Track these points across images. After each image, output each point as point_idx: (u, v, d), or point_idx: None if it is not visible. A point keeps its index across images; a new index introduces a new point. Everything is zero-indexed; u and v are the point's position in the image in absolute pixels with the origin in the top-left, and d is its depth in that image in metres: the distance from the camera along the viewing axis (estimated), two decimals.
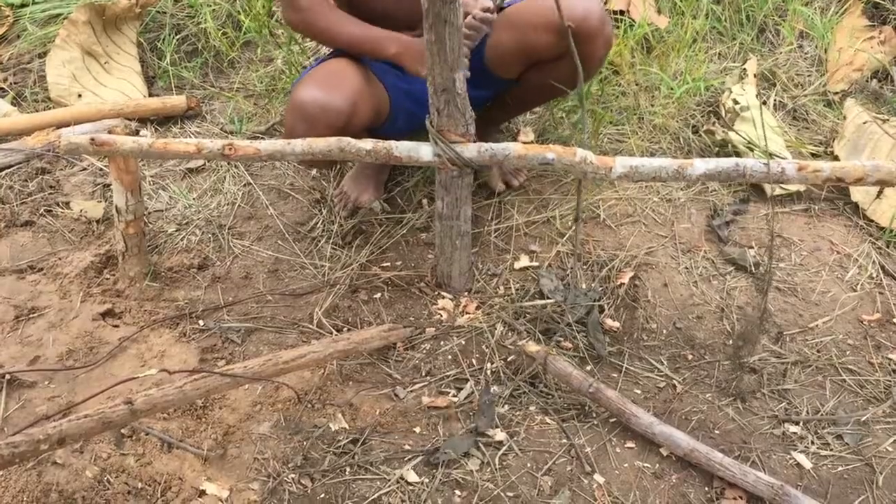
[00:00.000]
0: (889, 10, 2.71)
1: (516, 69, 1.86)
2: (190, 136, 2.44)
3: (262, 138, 2.37)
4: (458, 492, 1.59)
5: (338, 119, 1.73)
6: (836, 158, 2.31)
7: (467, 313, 1.94)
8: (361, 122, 1.80)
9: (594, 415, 1.73)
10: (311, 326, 1.90)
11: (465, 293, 1.98)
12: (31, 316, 1.90)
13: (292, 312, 1.94)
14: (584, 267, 2.02)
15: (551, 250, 2.06)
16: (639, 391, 1.79)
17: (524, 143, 2.03)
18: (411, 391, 1.77)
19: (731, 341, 1.88)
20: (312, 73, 1.84)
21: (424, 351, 1.86)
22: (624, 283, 1.97)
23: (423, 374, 1.81)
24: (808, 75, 2.60)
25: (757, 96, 2.47)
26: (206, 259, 2.08)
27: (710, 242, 2.10)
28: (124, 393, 1.71)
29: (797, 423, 1.73)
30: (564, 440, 1.68)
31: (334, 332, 1.88)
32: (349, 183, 2.19)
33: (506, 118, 2.24)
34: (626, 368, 1.83)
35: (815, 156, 2.35)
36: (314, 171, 2.30)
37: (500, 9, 1.84)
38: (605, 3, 2.68)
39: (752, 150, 2.28)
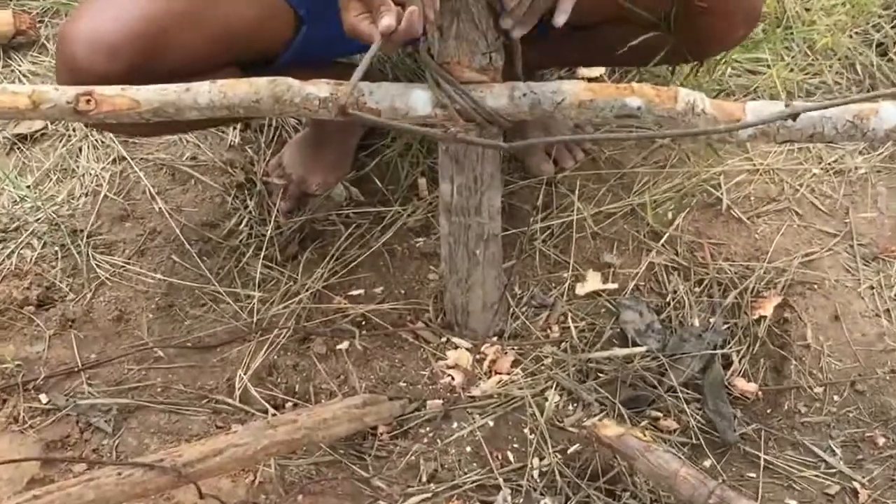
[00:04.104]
0: None
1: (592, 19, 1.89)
2: (20, 79, 2.44)
3: None
4: None
5: (111, 64, 1.74)
6: None
7: (497, 373, 1.93)
8: (180, 60, 1.80)
9: None
10: (230, 401, 1.91)
11: (494, 338, 1.98)
12: None
13: (199, 378, 1.95)
14: (699, 290, 2.02)
15: (639, 262, 2.06)
16: (794, 502, 1.78)
17: (588, 80, 2.02)
18: None
19: None
20: None
21: (425, 440, 1.85)
22: (765, 317, 1.97)
23: (425, 479, 1.81)
24: None
25: None
26: (52, 289, 2.08)
27: None
28: None
29: None
30: None
31: (271, 411, 1.87)
32: (293, 154, 2.19)
33: (551, 63, 2.25)
34: (772, 462, 1.83)
35: None
36: (233, 135, 2.30)
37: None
38: None
39: None
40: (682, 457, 1.77)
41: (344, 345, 1.99)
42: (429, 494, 1.79)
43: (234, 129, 2.30)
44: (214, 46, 1.85)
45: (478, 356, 1.96)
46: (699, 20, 1.87)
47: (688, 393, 1.89)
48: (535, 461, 1.82)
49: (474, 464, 1.82)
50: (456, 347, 1.98)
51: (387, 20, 1.56)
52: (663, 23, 1.89)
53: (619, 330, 1.97)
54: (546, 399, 1.89)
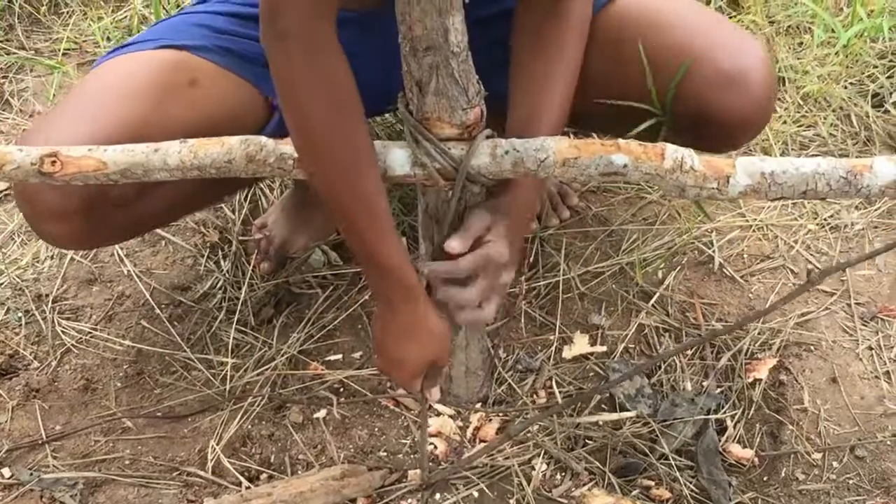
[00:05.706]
0: None
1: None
2: None
3: None
4: None
5: (68, 199, 1.74)
6: None
7: (482, 441, 1.93)
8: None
9: None
10: (202, 473, 1.89)
11: (478, 405, 1.98)
12: None
13: (170, 449, 1.94)
14: (690, 352, 2.02)
15: (628, 323, 2.06)
16: None
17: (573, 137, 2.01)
18: None
19: None
20: (63, 102, 1.87)
21: None
22: (760, 380, 1.97)
23: None
24: None
25: None
26: (15, 356, 2.08)
27: None
28: None
29: None
30: None
31: (245, 483, 1.86)
32: (278, 214, 2.21)
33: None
34: None
35: None
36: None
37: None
38: None
39: None
40: None
41: (321, 413, 1.98)
42: None
43: None
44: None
45: (462, 423, 1.96)
46: (705, 128, 1.83)
47: (680, 460, 1.88)
48: None
49: None
50: (439, 414, 1.97)
51: None
52: (663, 117, 1.84)
53: (608, 395, 1.97)
54: (533, 468, 1.87)
